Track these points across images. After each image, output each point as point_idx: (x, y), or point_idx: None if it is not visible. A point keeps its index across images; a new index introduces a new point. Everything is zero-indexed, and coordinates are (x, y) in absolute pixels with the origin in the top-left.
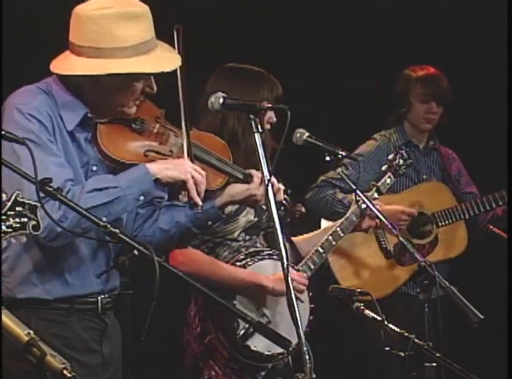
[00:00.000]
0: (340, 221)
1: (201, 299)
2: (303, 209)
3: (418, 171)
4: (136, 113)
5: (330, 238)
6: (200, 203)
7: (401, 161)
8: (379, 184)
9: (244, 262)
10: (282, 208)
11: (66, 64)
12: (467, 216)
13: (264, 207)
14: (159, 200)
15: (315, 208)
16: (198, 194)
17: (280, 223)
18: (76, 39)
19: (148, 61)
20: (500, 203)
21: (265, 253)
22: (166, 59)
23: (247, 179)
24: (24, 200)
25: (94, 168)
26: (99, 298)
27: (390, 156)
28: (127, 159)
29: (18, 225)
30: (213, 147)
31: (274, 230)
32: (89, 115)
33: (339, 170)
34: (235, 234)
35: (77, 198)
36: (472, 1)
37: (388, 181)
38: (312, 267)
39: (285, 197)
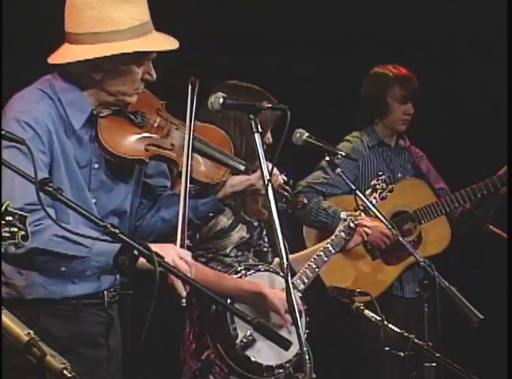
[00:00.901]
0: (330, 238)
1: (195, 315)
2: (305, 200)
3: (392, 170)
4: (136, 105)
5: (322, 253)
6: (183, 295)
7: (384, 185)
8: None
9: (241, 274)
10: (284, 199)
11: (64, 54)
12: (448, 210)
13: (255, 223)
14: (162, 189)
15: (298, 215)
16: (184, 285)
17: (281, 224)
18: (72, 27)
19: (147, 42)
20: (479, 195)
21: (259, 266)
22: (164, 40)
23: (248, 171)
24: (13, 210)
25: (96, 166)
26: (105, 292)
27: (373, 182)
28: (128, 155)
29: (8, 234)
30: (215, 139)
31: (274, 231)
32: (94, 112)
33: (338, 170)
34: (228, 250)
35: (45, 233)
36: (472, 1)
37: (374, 201)
38: (306, 281)
39: (287, 188)
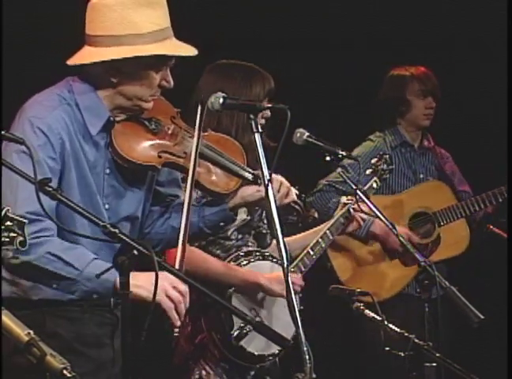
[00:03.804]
0: (329, 224)
1: (192, 298)
2: (316, 214)
3: (415, 171)
4: (151, 112)
5: (320, 240)
6: (178, 324)
7: (385, 166)
8: (366, 188)
9: (238, 262)
10: (295, 213)
11: (82, 56)
12: (468, 213)
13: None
14: (172, 198)
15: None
16: (178, 314)
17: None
18: (92, 30)
19: (166, 47)
20: (500, 199)
21: (258, 253)
22: (183, 46)
23: (257, 181)
24: (13, 215)
25: (107, 171)
26: None
27: (373, 160)
28: (140, 161)
29: (7, 239)
30: (228, 149)
31: (274, 231)
32: (111, 119)
33: (339, 170)
34: (229, 233)
35: (40, 249)
36: (472, 1)
37: (374, 185)
38: (303, 269)
39: (298, 201)
